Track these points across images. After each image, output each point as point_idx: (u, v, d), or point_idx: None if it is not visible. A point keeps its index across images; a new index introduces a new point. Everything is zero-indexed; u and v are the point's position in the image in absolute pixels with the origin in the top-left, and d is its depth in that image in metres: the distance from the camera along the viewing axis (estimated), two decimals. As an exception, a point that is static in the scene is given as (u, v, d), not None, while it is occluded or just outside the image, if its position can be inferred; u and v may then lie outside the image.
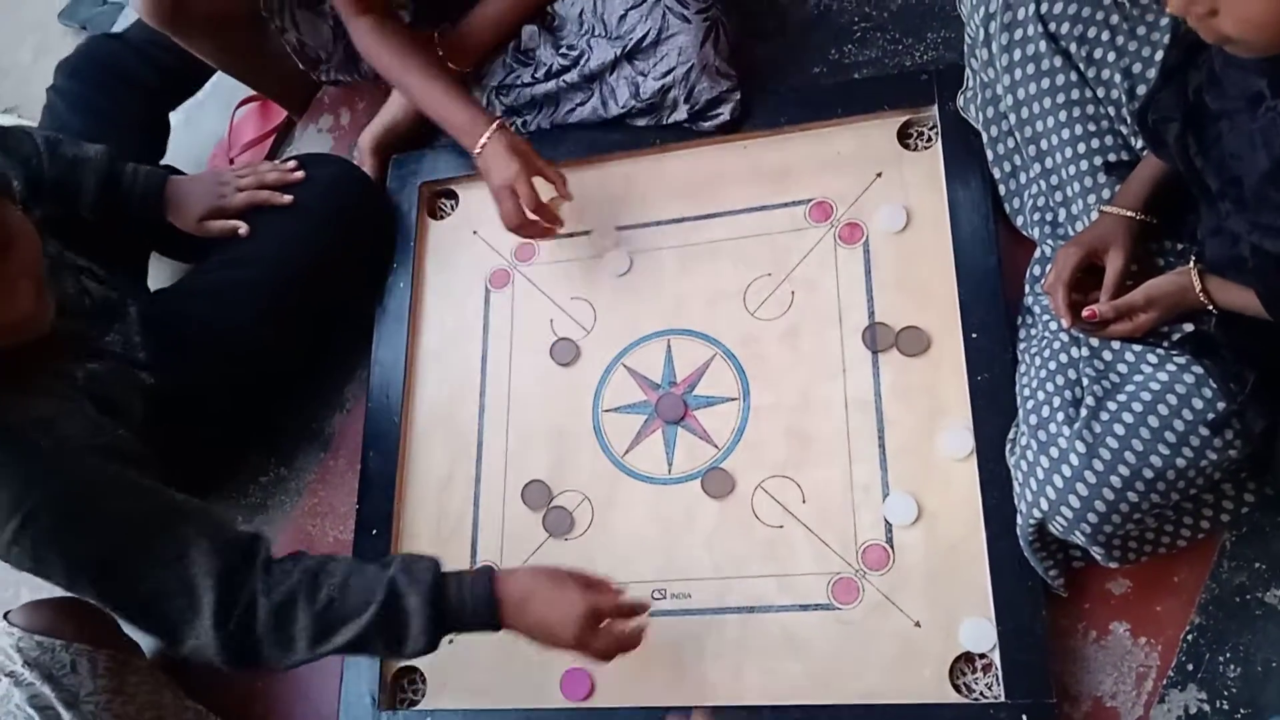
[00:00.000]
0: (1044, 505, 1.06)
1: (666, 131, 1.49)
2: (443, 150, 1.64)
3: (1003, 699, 1.12)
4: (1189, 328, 1.07)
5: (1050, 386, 1.11)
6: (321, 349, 1.60)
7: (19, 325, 1.03)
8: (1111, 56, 1.14)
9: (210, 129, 1.89)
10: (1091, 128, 1.16)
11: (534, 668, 1.30)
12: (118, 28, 2.10)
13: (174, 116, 1.76)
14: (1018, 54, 1.19)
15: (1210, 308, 1.04)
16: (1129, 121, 1.14)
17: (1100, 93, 1.16)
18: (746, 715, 1.19)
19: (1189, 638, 1.13)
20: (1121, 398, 1.04)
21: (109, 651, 1.23)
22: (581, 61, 1.47)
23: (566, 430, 1.41)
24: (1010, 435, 1.18)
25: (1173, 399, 1.01)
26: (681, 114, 1.45)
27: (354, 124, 1.76)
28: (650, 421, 1.38)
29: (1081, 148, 1.16)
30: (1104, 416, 1.04)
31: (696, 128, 1.46)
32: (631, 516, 1.35)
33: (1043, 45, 1.17)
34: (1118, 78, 1.14)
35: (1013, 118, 1.22)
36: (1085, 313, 1.11)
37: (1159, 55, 1.10)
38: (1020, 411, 1.15)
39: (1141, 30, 1.13)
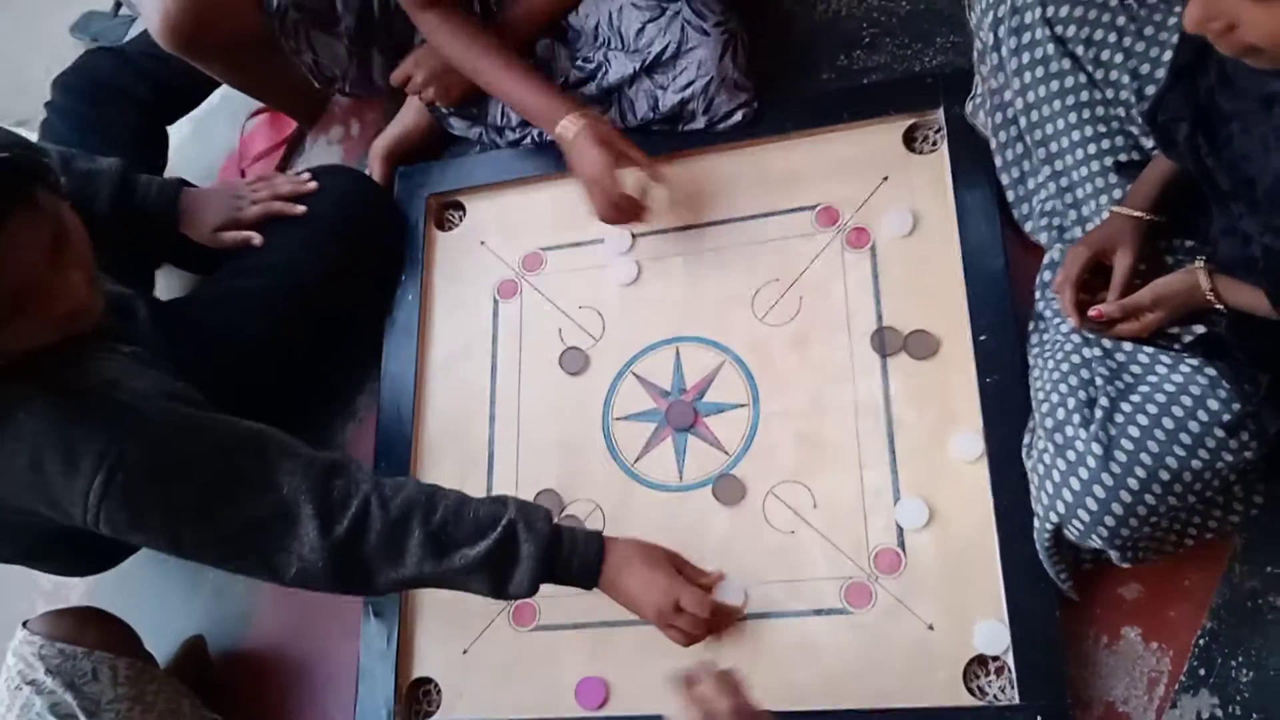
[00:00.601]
0: (1061, 508, 1.06)
1: (675, 139, 1.49)
2: (450, 161, 1.65)
3: (1017, 702, 1.12)
4: (1201, 330, 1.07)
5: (1064, 388, 1.11)
6: (332, 360, 1.61)
7: (75, 315, 1.04)
8: (1119, 58, 1.14)
9: (221, 141, 1.90)
10: (1102, 129, 1.16)
11: (549, 677, 1.31)
12: (127, 42, 2.11)
13: (183, 128, 1.77)
14: (1026, 57, 1.19)
15: (1219, 307, 1.04)
16: (1139, 122, 1.14)
17: (1109, 94, 1.16)
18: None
19: (1201, 642, 1.13)
20: (1136, 399, 1.04)
21: (129, 660, 1.24)
22: (600, 74, 1.48)
23: (577, 439, 1.42)
24: (1025, 439, 1.18)
25: (1188, 401, 1.01)
26: (699, 124, 1.47)
27: (364, 135, 1.77)
28: (660, 429, 1.39)
29: (1092, 149, 1.16)
30: (1119, 419, 1.04)
31: (709, 130, 1.47)
32: (643, 524, 1.34)
33: (1051, 48, 1.17)
34: (1126, 78, 1.14)
35: (1023, 121, 1.22)
36: (1092, 312, 1.11)
37: (1168, 55, 1.10)
38: (1035, 415, 1.15)
39: (1149, 30, 1.13)
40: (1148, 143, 1.14)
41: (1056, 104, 1.18)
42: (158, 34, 1.49)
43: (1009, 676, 1.15)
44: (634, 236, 1.49)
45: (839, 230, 1.40)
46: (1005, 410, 1.21)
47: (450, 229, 1.63)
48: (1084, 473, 1.04)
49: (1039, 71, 1.18)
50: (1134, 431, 1.02)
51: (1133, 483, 1.01)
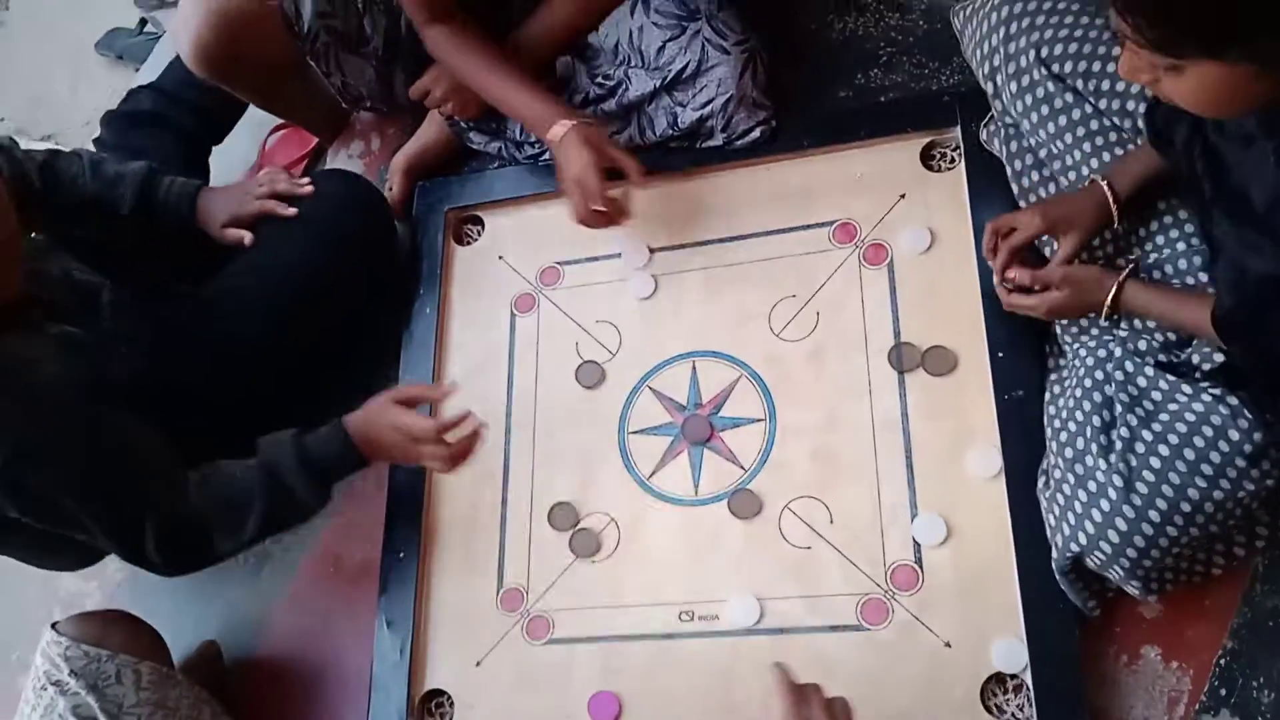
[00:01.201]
0: (1082, 539, 1.06)
1: (693, 155, 1.50)
2: (469, 176, 1.66)
3: (1035, 720, 1.12)
4: (1221, 359, 1.07)
5: (1080, 415, 1.11)
6: (349, 372, 1.61)
7: None
8: (1120, 86, 1.15)
9: (242, 155, 1.92)
10: (1120, 153, 1.16)
11: (561, 691, 1.31)
12: (153, 59, 2.14)
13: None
14: (1029, 99, 1.20)
15: (1106, 308, 1.09)
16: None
17: (1116, 121, 1.17)
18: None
19: (1221, 662, 1.12)
20: (1156, 428, 1.04)
21: (153, 665, 1.24)
22: (620, 91, 1.49)
23: (593, 452, 1.42)
24: (1042, 466, 1.17)
25: (1209, 430, 1.01)
26: (717, 141, 1.48)
27: (384, 150, 1.79)
28: (676, 443, 1.39)
29: None
30: (1139, 448, 1.04)
31: (728, 147, 1.48)
32: (658, 538, 1.35)
33: (1051, 86, 1.18)
34: (1130, 104, 1.14)
35: (1043, 153, 1.23)
36: (1009, 274, 1.16)
37: None
38: (1054, 444, 1.15)
39: None
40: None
41: (1068, 137, 1.19)
42: (189, 58, 1.51)
43: (1027, 695, 1.14)
44: (651, 251, 1.50)
45: (856, 247, 1.40)
46: (1023, 427, 1.21)
47: (469, 243, 1.64)
48: (1105, 504, 1.04)
49: (1044, 110, 1.19)
50: (1155, 463, 1.02)
51: (1154, 514, 1.01)
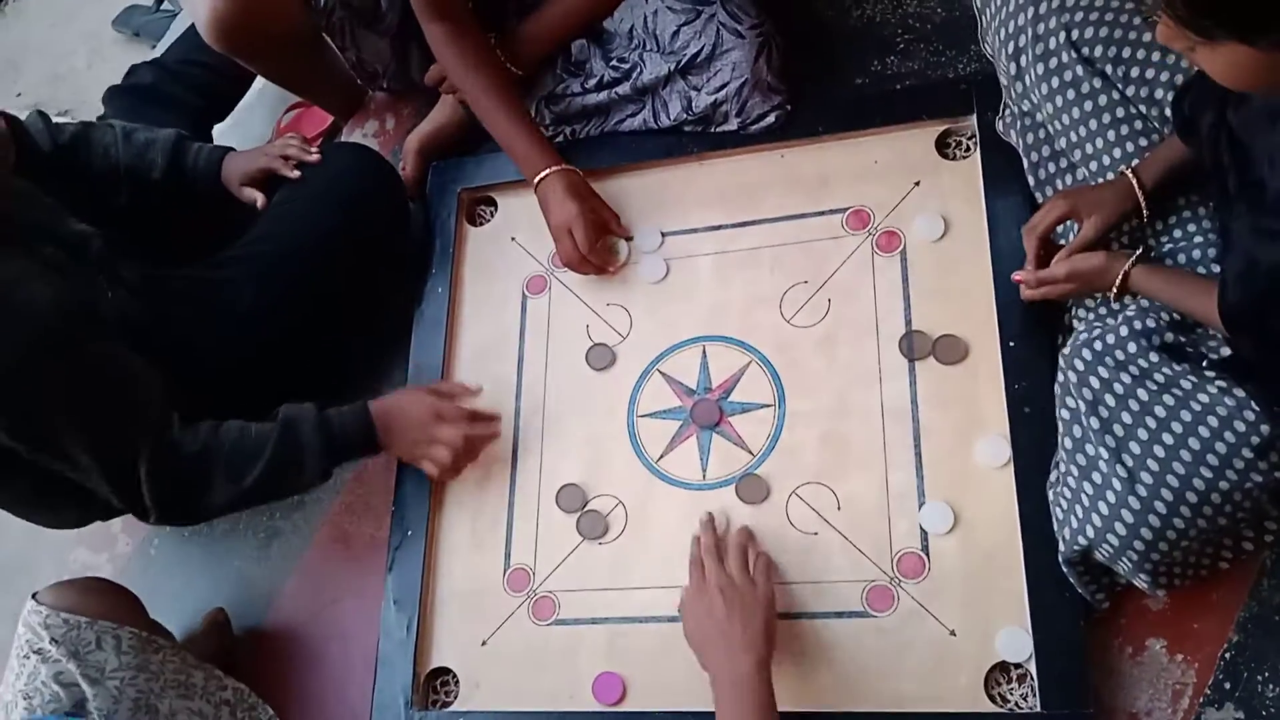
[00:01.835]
0: (1090, 532, 1.06)
1: (706, 140, 1.50)
2: (483, 157, 1.66)
3: (1039, 710, 1.12)
4: (1227, 352, 1.07)
5: (1077, 404, 1.11)
6: (361, 351, 1.62)
7: None
8: (1150, 73, 1.14)
9: (258, 133, 1.93)
10: (1143, 143, 1.16)
11: (566, 672, 1.31)
12: (169, 36, 2.15)
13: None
14: (1055, 81, 1.19)
15: (1115, 290, 1.11)
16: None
17: (1143, 109, 1.16)
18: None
19: (1227, 656, 1.12)
20: (1160, 413, 1.03)
21: (133, 629, 1.24)
22: (634, 75, 1.49)
23: (601, 435, 1.42)
24: (1052, 475, 1.17)
25: (1214, 421, 1.00)
26: (731, 125, 1.48)
27: (399, 129, 1.79)
28: (685, 427, 1.39)
29: (1135, 163, 1.15)
30: (1143, 435, 1.03)
31: (742, 132, 1.48)
32: (666, 521, 1.35)
33: (1080, 70, 1.17)
34: (1159, 92, 1.14)
35: (1062, 142, 1.22)
36: (1014, 277, 1.22)
37: None
38: (1060, 439, 1.15)
39: None
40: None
41: (1093, 124, 1.18)
42: (206, 32, 1.52)
43: (1031, 684, 1.14)
44: (663, 235, 1.49)
45: (869, 233, 1.40)
46: (1033, 417, 1.21)
47: (482, 224, 1.64)
48: (1111, 496, 1.04)
49: (1070, 94, 1.18)
50: (1160, 452, 1.01)
51: (1160, 506, 1.01)
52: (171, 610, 1.41)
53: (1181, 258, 1.12)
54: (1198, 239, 1.12)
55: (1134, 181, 1.11)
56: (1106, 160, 1.18)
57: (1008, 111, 1.30)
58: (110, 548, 1.68)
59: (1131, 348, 1.08)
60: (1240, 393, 1.01)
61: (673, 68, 1.46)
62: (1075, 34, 1.16)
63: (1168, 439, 1.01)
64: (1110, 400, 1.07)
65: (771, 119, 1.46)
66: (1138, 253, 1.10)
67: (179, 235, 1.56)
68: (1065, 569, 1.12)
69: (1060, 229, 1.20)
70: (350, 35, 1.56)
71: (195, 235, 1.56)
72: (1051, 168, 1.26)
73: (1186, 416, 1.02)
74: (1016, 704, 1.15)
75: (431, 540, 1.44)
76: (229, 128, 1.85)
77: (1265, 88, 0.84)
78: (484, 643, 1.37)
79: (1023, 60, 1.22)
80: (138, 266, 1.41)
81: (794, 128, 1.47)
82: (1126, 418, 1.05)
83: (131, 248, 1.43)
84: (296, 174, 1.52)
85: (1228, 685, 1.11)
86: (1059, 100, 1.19)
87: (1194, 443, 1.00)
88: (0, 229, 1.20)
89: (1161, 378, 1.06)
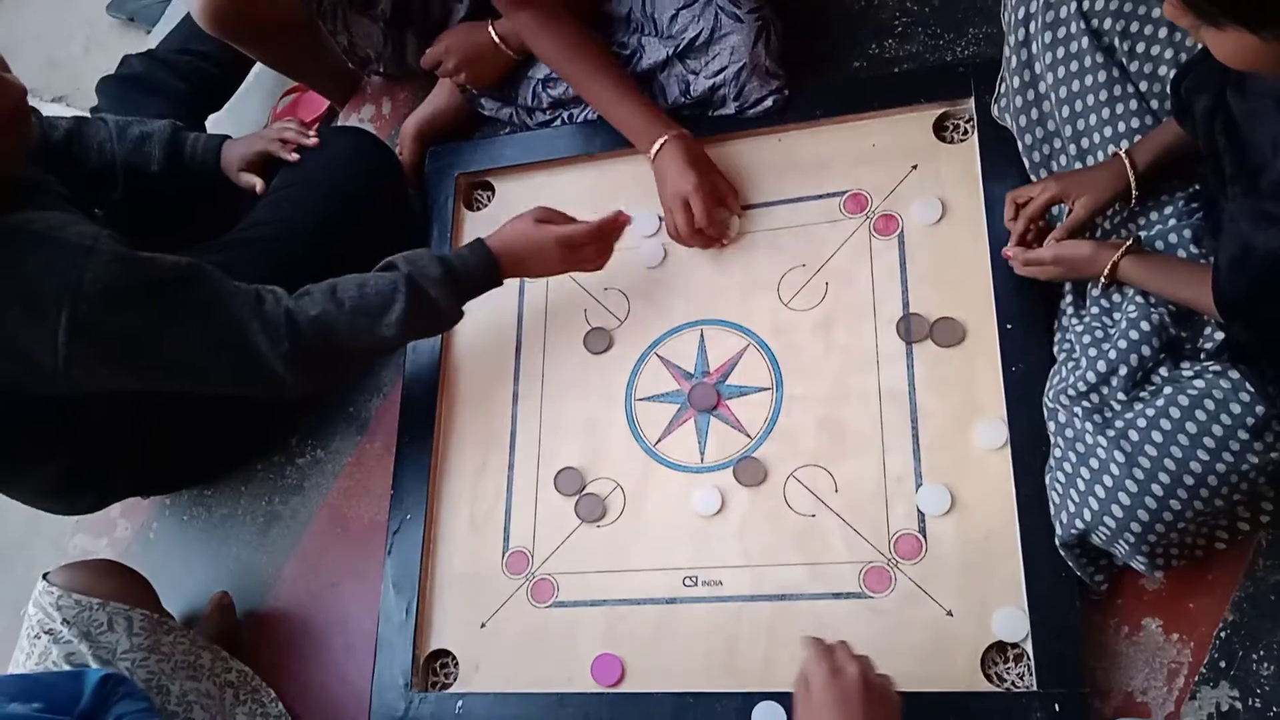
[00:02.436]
0: (1087, 515, 1.06)
1: (703, 124, 1.49)
2: (480, 142, 1.66)
3: (1035, 689, 1.12)
4: (1221, 336, 1.07)
5: (1072, 392, 1.12)
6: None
7: (20, 113, 1.17)
8: (1155, 49, 1.14)
9: (253, 119, 1.93)
10: (1136, 124, 1.16)
11: (565, 653, 1.32)
12: (165, 21, 2.14)
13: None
14: (1060, 52, 1.19)
15: (1104, 281, 1.11)
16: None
17: (1144, 86, 1.16)
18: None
19: (1222, 635, 1.13)
20: (1160, 403, 1.04)
21: (144, 611, 1.25)
22: (634, 60, 1.49)
23: (599, 418, 1.43)
24: (1050, 462, 1.17)
25: (1210, 404, 1.01)
26: (729, 109, 1.47)
27: (395, 113, 1.79)
28: (683, 410, 1.39)
29: (1125, 145, 1.16)
30: (1141, 423, 1.04)
31: (740, 116, 1.48)
32: (664, 504, 1.35)
33: (1085, 42, 1.17)
34: (1163, 69, 1.14)
35: (1057, 115, 1.22)
36: (1004, 252, 1.22)
37: None
38: (1051, 424, 1.16)
39: None
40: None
41: (1090, 99, 1.18)
42: (200, 16, 1.51)
43: (1027, 664, 1.15)
44: (660, 219, 1.49)
45: (867, 217, 1.40)
46: (1030, 399, 1.21)
47: (479, 209, 1.64)
48: (1108, 480, 1.04)
49: (1073, 66, 1.18)
50: (1157, 437, 1.02)
51: (1157, 489, 1.01)
52: (171, 594, 1.41)
53: (1160, 244, 1.13)
54: (1173, 221, 1.13)
55: (1127, 163, 1.12)
56: (1098, 138, 1.18)
57: (1001, 92, 1.30)
58: (109, 533, 1.68)
59: (1126, 341, 1.09)
60: (1234, 375, 1.02)
61: (671, 52, 1.45)
62: (1086, 3, 1.16)
63: (1165, 424, 1.02)
64: (1106, 391, 1.09)
65: (769, 103, 1.46)
66: (1128, 243, 1.10)
67: (177, 224, 1.55)
68: (1062, 552, 1.12)
69: (1055, 210, 1.20)
70: (342, 19, 1.56)
71: (193, 223, 1.56)
72: (1047, 149, 1.26)
73: (1184, 401, 1.02)
74: (1013, 684, 1.15)
75: (430, 523, 1.44)
76: (223, 115, 1.84)
77: (1274, 71, 0.84)
78: (483, 625, 1.38)
79: (1031, 26, 1.21)
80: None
81: (792, 111, 1.47)
82: (1120, 407, 1.07)
83: (127, 238, 1.43)
84: (295, 157, 1.52)
85: (1223, 664, 1.12)
86: (1060, 71, 1.19)
87: (1191, 426, 1.01)
88: (34, 188, 1.20)
89: (1165, 369, 1.07)
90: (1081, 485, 1.07)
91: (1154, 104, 1.16)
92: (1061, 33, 1.18)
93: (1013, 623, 1.16)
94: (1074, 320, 1.19)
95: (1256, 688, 1.10)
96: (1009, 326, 1.26)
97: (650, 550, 1.33)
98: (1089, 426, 1.08)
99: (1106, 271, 1.10)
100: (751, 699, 1.20)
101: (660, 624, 1.29)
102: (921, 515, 1.24)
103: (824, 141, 1.46)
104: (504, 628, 1.37)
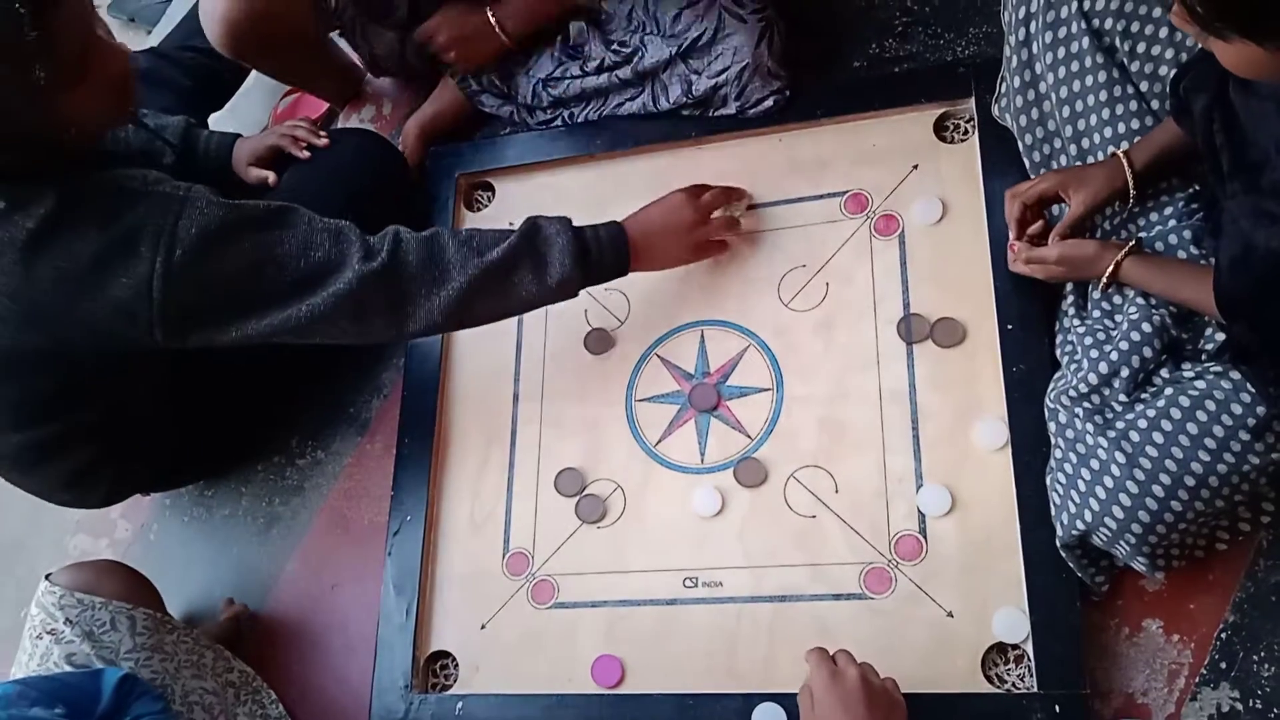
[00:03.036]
0: (1088, 516, 1.06)
1: (704, 124, 1.49)
2: (481, 142, 1.66)
3: (1035, 690, 1.12)
4: (1222, 337, 1.07)
5: (1073, 393, 1.12)
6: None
7: (127, 80, 1.17)
8: (1156, 50, 1.14)
9: (255, 119, 1.92)
10: (1136, 125, 1.16)
11: (565, 655, 1.32)
12: (165, 21, 2.14)
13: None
14: (1061, 51, 1.19)
15: (1104, 282, 1.11)
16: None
17: (1144, 86, 1.16)
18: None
19: (1223, 636, 1.13)
20: (1161, 404, 1.04)
21: (147, 610, 1.25)
22: (635, 59, 1.48)
23: (600, 419, 1.42)
24: (1051, 463, 1.17)
25: (1211, 405, 1.01)
26: (730, 109, 1.47)
27: (396, 114, 1.79)
28: (683, 411, 1.39)
29: (1125, 145, 1.16)
30: (1141, 424, 1.04)
31: (741, 116, 1.48)
32: (664, 505, 1.35)
33: (1085, 42, 1.17)
34: (1163, 69, 1.14)
35: (1059, 115, 1.22)
36: (1010, 245, 1.21)
37: None
38: (1052, 424, 1.16)
39: None
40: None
41: (1090, 99, 1.18)
42: (216, 38, 1.50)
43: (1028, 665, 1.14)
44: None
45: (867, 217, 1.40)
46: (1030, 400, 1.21)
47: (480, 209, 1.64)
48: (1109, 481, 1.04)
49: (1073, 66, 1.18)
50: (1158, 438, 1.02)
51: (1159, 490, 1.01)
52: (171, 595, 1.41)
53: (1160, 245, 1.12)
54: (1173, 222, 1.13)
55: (1125, 163, 1.11)
56: (1098, 138, 1.17)
57: (1002, 92, 1.30)
58: (110, 533, 1.68)
59: (1125, 345, 1.09)
60: (1236, 376, 1.02)
61: (673, 51, 1.45)
62: (1087, 3, 1.16)
63: (1166, 425, 1.02)
64: (1106, 392, 1.09)
65: (770, 103, 1.45)
66: (1130, 244, 1.10)
67: None
68: (1063, 553, 1.12)
69: (1056, 209, 1.20)
70: (362, 32, 1.57)
71: None
72: (1047, 149, 1.26)
73: (1185, 402, 1.02)
74: (1014, 685, 1.15)
75: (430, 525, 1.44)
76: (225, 115, 1.84)
77: (1273, 78, 0.84)
78: (483, 626, 1.37)
79: (1032, 26, 1.21)
80: None
81: (792, 111, 1.47)
82: (1121, 408, 1.07)
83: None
84: (306, 154, 1.53)
85: (1223, 665, 1.12)
86: (1061, 71, 1.19)
87: (1192, 427, 1.01)
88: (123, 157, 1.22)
89: (1165, 372, 1.07)
90: (1082, 486, 1.07)
91: (1154, 104, 1.15)
92: (1062, 33, 1.18)
93: (1013, 623, 1.15)
94: (1075, 322, 1.19)
95: (1257, 689, 1.10)
96: (1010, 327, 1.26)
97: (650, 551, 1.33)
98: (1090, 427, 1.08)
99: (1109, 271, 1.10)
100: (752, 700, 1.20)
101: (660, 625, 1.29)
102: (922, 516, 1.24)
103: (824, 141, 1.46)
104: (504, 629, 1.36)
